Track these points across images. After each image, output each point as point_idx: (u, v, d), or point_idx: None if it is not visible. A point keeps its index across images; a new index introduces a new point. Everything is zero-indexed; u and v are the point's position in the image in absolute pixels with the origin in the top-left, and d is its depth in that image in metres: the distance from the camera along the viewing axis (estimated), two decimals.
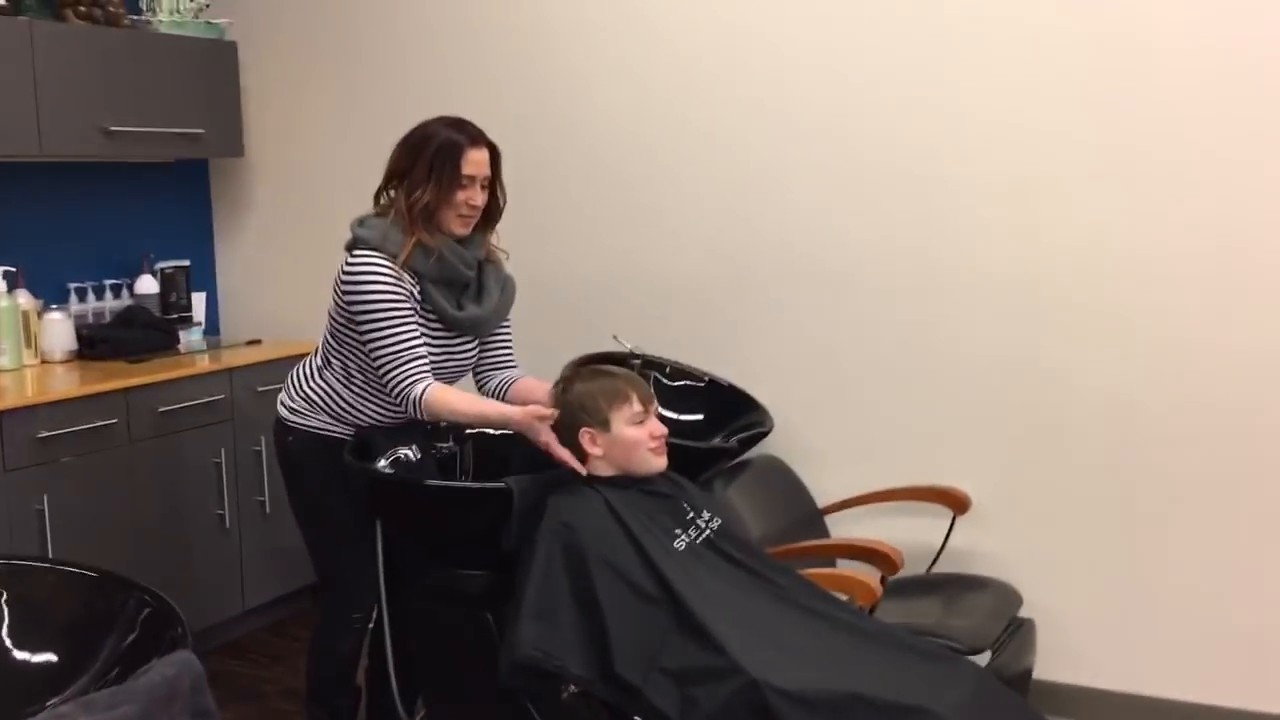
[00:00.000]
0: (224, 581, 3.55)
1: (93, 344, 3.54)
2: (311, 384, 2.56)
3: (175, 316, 3.84)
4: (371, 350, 2.41)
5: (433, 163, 2.41)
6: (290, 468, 2.59)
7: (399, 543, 2.48)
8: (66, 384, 3.24)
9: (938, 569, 3.04)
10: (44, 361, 3.49)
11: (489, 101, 3.50)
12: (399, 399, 2.41)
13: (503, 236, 2.62)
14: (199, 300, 3.96)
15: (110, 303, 3.75)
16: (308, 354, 2.65)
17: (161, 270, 3.83)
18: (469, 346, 2.59)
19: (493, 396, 2.66)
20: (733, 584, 2.28)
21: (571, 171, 3.52)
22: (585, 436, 2.33)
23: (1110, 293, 2.90)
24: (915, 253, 3.09)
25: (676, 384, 3.28)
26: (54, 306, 3.54)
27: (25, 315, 3.43)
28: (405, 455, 2.46)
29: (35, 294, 3.48)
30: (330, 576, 2.63)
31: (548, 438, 2.32)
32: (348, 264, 2.43)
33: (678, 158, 3.37)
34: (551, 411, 2.33)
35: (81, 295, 3.69)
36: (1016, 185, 2.97)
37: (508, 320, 2.65)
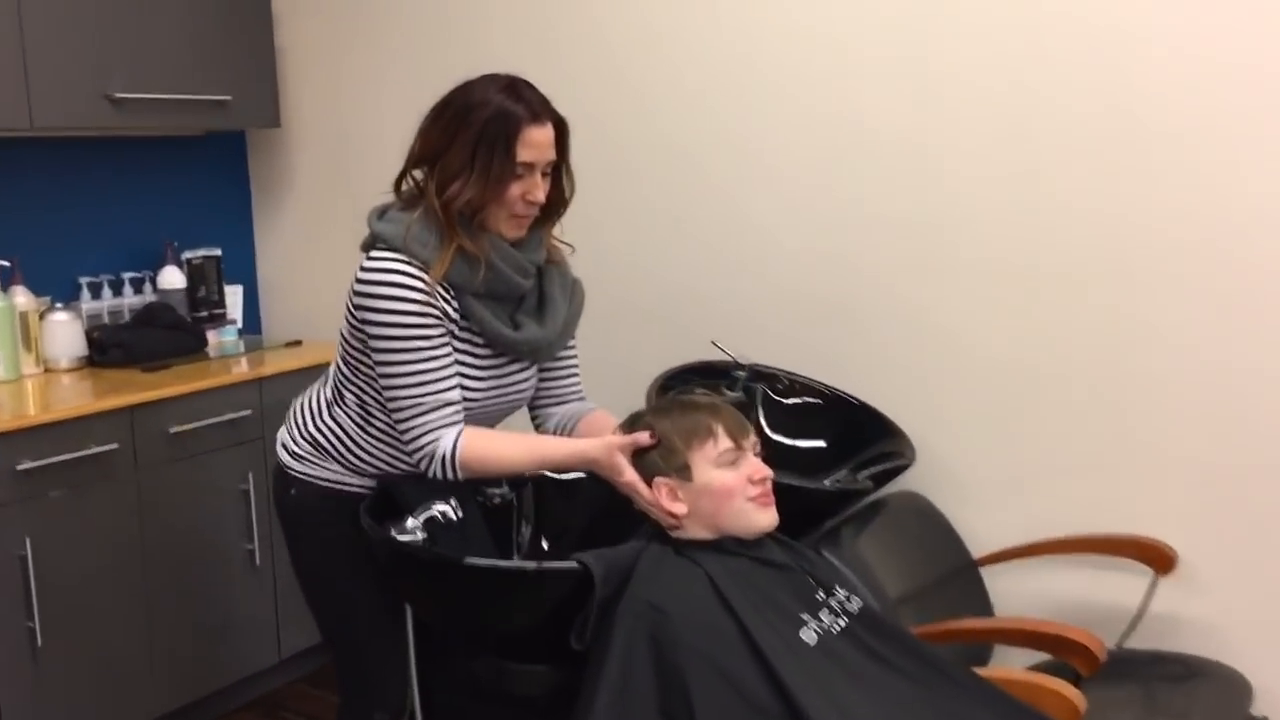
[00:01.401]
0: (256, 628, 3.04)
1: (103, 349, 3.04)
2: (319, 422, 1.99)
3: (205, 314, 3.33)
4: (386, 388, 1.84)
5: (478, 144, 1.80)
6: (293, 528, 2.03)
7: (434, 626, 1.91)
8: (61, 400, 2.73)
9: (1131, 644, 2.37)
10: (48, 370, 3.00)
11: (573, 54, 2.90)
12: (419, 457, 1.83)
13: (565, 224, 2.01)
14: (234, 295, 3.44)
15: (129, 299, 3.25)
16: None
17: (188, 261, 3.32)
18: (525, 374, 1.99)
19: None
20: (883, 696, 1.67)
21: (656, 143, 2.89)
22: (663, 490, 1.76)
23: None
24: (1101, 237, 2.40)
25: (792, 401, 2.65)
26: (59, 305, 3.04)
27: (24, 317, 2.94)
28: (442, 513, 1.87)
29: (37, 291, 2.98)
30: (347, 666, 2.06)
31: (632, 477, 1.75)
32: (363, 269, 1.85)
33: (790, 122, 2.71)
34: (638, 437, 1.76)
35: (95, 291, 3.19)
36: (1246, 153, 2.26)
37: (572, 337, 2.04)
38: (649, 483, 1.76)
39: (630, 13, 2.88)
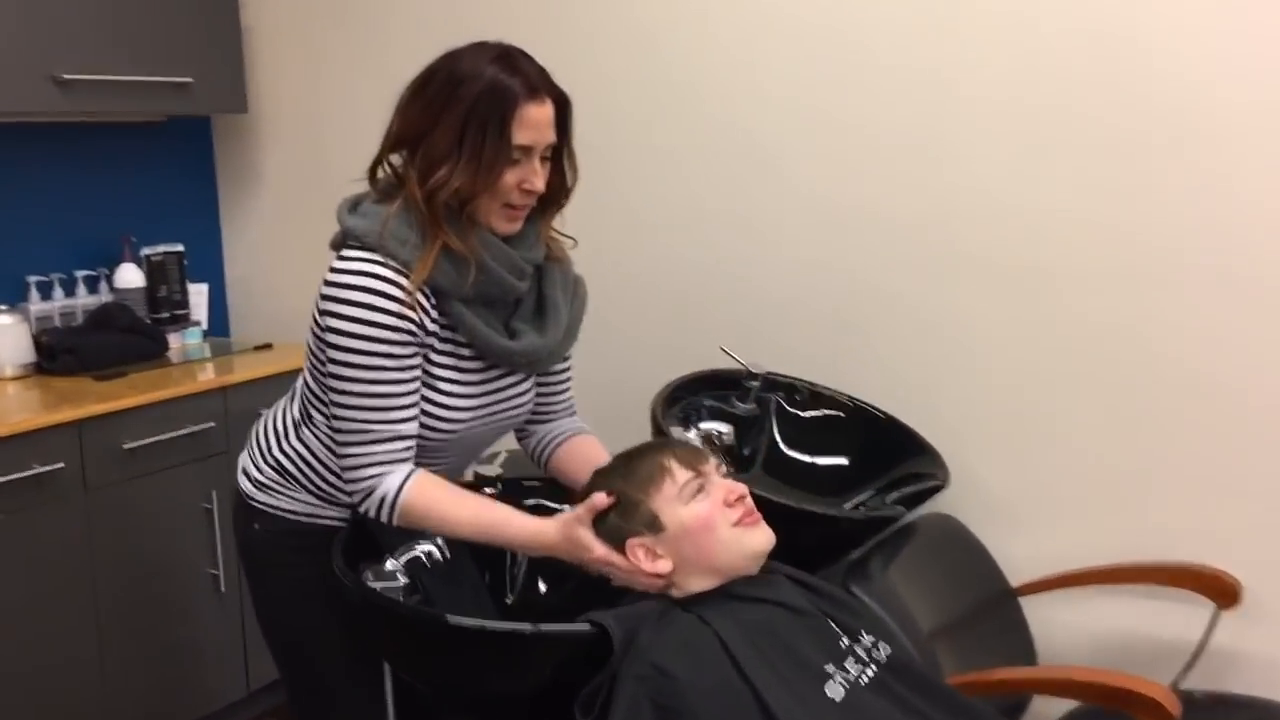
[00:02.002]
0: (222, 659, 2.79)
1: (53, 355, 2.78)
2: (286, 446, 1.74)
3: (167, 315, 3.08)
4: (335, 404, 1.60)
5: (466, 124, 1.55)
6: (257, 568, 1.78)
7: (416, 685, 1.67)
8: (3, 414, 2.46)
9: (1190, 683, 2.15)
10: None
11: (574, 37, 2.66)
12: (356, 490, 1.60)
13: (565, 216, 1.77)
14: (198, 294, 3.19)
15: (82, 299, 2.99)
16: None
17: (148, 257, 3.06)
18: (522, 387, 1.75)
19: (532, 458, 1.86)
20: None
21: (666, 130, 2.65)
22: (639, 552, 1.54)
23: None
24: (1148, 240, 2.17)
25: (811, 414, 2.42)
26: (4, 307, 2.78)
27: None
28: (426, 553, 1.63)
29: None
30: None
31: (602, 551, 1.52)
32: (332, 271, 1.61)
33: (808, 104, 2.48)
34: (594, 500, 1.53)
35: (44, 291, 2.92)
36: None
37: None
38: (622, 554, 1.54)
39: (636, 8, 2.64)
